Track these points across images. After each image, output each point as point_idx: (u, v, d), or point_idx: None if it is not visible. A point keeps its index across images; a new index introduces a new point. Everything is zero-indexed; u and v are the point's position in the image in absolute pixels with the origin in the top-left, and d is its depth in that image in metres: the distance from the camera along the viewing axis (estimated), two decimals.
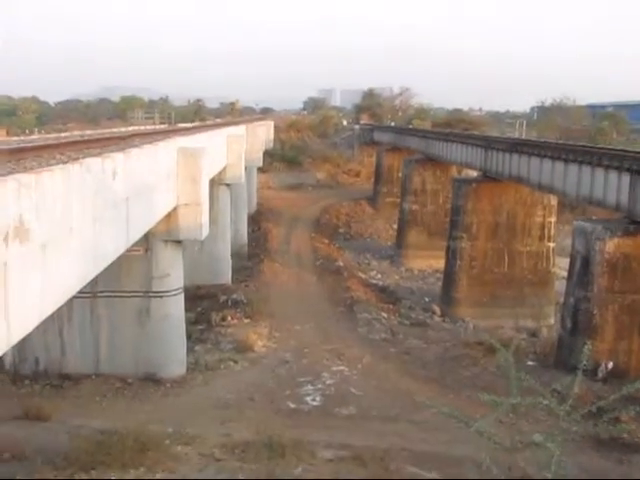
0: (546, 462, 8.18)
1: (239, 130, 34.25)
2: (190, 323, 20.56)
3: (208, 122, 52.64)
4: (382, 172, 50.48)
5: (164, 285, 17.25)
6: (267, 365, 18.84)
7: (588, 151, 21.79)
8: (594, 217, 24.07)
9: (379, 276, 34.28)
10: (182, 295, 18.06)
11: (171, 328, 17.53)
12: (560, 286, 25.11)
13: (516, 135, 53.81)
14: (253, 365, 18.77)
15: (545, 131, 58.00)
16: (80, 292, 10.42)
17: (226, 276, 28.03)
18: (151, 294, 17.16)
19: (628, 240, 18.39)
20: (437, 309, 28.29)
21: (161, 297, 17.24)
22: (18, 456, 12.55)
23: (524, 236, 27.99)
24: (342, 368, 18.72)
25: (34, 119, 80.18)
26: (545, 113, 74.79)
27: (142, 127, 34.55)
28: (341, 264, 33.31)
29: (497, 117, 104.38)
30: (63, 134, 20.35)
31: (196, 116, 77.89)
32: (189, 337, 19.16)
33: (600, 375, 17.51)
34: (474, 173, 32.45)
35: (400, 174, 43.61)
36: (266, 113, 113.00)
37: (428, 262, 35.76)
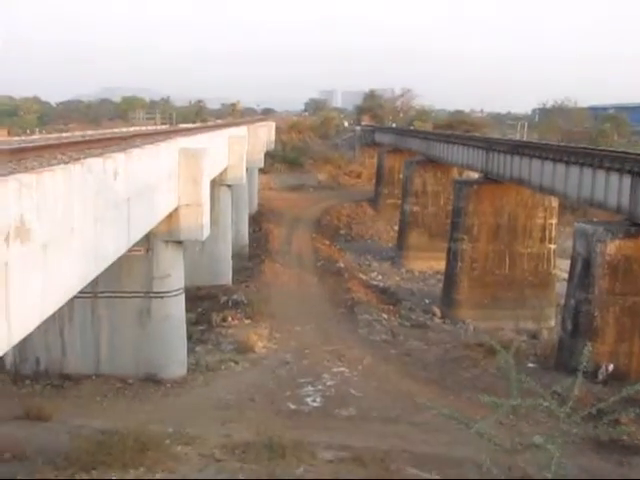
0: (546, 463, 8.19)
1: (240, 131, 34.29)
2: (191, 324, 20.57)
3: (209, 123, 52.69)
4: (383, 173, 50.48)
5: (165, 285, 17.26)
6: (267, 366, 18.85)
7: (589, 153, 21.78)
8: (595, 219, 24.04)
9: (380, 277, 34.28)
10: (183, 296, 18.07)
11: (172, 329, 17.54)
12: (561, 288, 25.09)
13: (517, 137, 53.83)
14: (253, 366, 18.78)
15: (546, 133, 57.98)
16: (81, 292, 10.42)
17: (227, 277, 28.05)
18: (152, 294, 17.17)
19: (629, 242, 18.38)
20: (438, 311, 28.27)
21: (162, 297, 17.25)
22: (19, 456, 12.56)
23: (525, 238, 27.99)
24: (342, 369, 18.73)
25: (35, 119, 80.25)
26: (546, 115, 74.78)
27: (143, 128, 34.57)
28: (342, 265, 33.31)
29: (498, 119, 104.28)
30: (64, 134, 20.36)
31: (197, 117, 77.93)
32: (190, 338, 19.16)
33: (600, 377, 17.50)
34: (475, 175, 32.42)
35: (401, 176, 43.60)
36: (267, 114, 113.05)
37: (429, 264, 35.75)
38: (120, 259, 12.58)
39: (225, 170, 27.88)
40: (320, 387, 17.30)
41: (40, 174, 8.14)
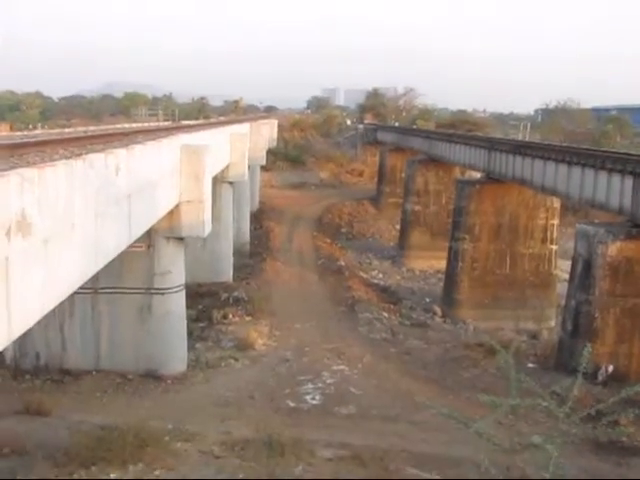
0: (544, 464, 8.18)
1: (243, 128, 34.26)
2: (191, 320, 20.58)
3: (212, 120, 52.65)
4: (385, 172, 50.45)
5: (166, 282, 17.26)
6: (267, 363, 18.85)
7: (592, 154, 21.75)
8: (596, 220, 24.02)
9: (381, 276, 34.28)
10: (183, 292, 18.07)
11: (172, 325, 17.54)
12: (562, 289, 25.09)
13: (520, 137, 53.76)
14: (254, 363, 18.79)
15: (549, 134, 57.90)
16: (81, 288, 10.44)
17: (228, 274, 28.06)
18: (153, 291, 17.18)
19: (630, 244, 18.36)
20: (438, 310, 28.28)
21: (162, 294, 17.25)
22: (18, 451, 12.58)
23: (526, 238, 27.97)
24: (342, 367, 18.73)
25: (38, 114, 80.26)
26: (549, 116, 74.71)
27: (145, 124, 34.58)
28: (343, 264, 33.31)
29: (501, 119, 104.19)
30: (66, 130, 20.41)
31: (200, 114, 77.93)
32: (190, 334, 19.17)
33: (600, 378, 17.49)
34: (477, 174, 32.40)
35: (403, 174, 43.59)
36: (270, 112, 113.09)
37: (430, 263, 35.75)
38: (121, 255, 12.59)
39: (227, 167, 27.88)
40: (320, 385, 17.31)
41: (42, 169, 8.15)
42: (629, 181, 18.44)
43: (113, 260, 11.82)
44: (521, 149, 26.45)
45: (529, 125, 65.13)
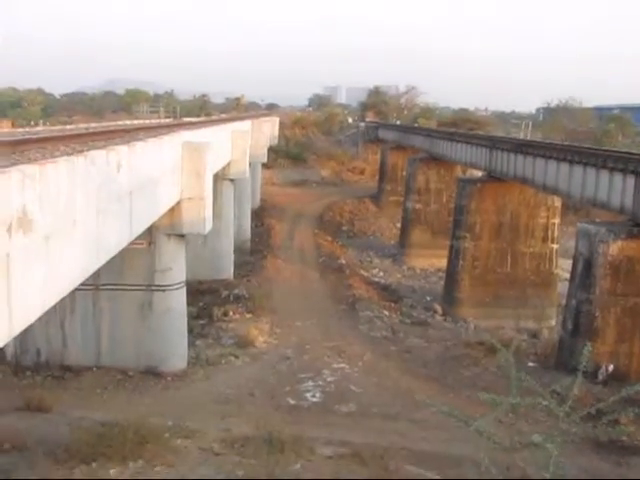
0: (545, 462, 8.18)
1: (244, 125, 34.25)
2: (192, 317, 20.59)
3: (213, 117, 52.62)
4: (386, 170, 50.42)
5: (166, 279, 17.28)
6: (268, 361, 18.87)
7: (593, 153, 21.73)
8: (598, 219, 24.02)
9: (381, 274, 34.28)
10: (184, 289, 18.07)
11: (173, 322, 17.56)
12: (562, 288, 25.10)
13: (521, 136, 53.70)
14: (254, 360, 18.80)
15: (551, 132, 57.81)
16: (82, 284, 10.44)
17: (228, 271, 28.07)
18: (153, 288, 17.18)
19: (632, 243, 18.35)
20: (439, 308, 28.29)
21: (163, 291, 17.26)
22: (19, 447, 12.59)
23: (527, 237, 27.97)
24: (343, 365, 18.74)
25: (39, 111, 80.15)
26: (551, 114, 74.61)
27: (147, 121, 34.56)
28: (344, 262, 33.33)
29: (503, 117, 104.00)
30: (68, 126, 20.38)
31: (201, 111, 77.79)
32: (190, 331, 19.18)
33: (600, 377, 17.50)
34: (479, 173, 32.39)
35: (404, 173, 43.56)
36: (271, 109, 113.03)
37: (430, 261, 35.75)
38: (122, 252, 12.59)
39: (228, 164, 27.88)
40: (320, 383, 17.32)
41: (43, 165, 8.15)
42: (631, 180, 18.42)
43: (114, 257, 11.82)
44: (522, 148, 26.43)
45: (530, 124, 65.07)
